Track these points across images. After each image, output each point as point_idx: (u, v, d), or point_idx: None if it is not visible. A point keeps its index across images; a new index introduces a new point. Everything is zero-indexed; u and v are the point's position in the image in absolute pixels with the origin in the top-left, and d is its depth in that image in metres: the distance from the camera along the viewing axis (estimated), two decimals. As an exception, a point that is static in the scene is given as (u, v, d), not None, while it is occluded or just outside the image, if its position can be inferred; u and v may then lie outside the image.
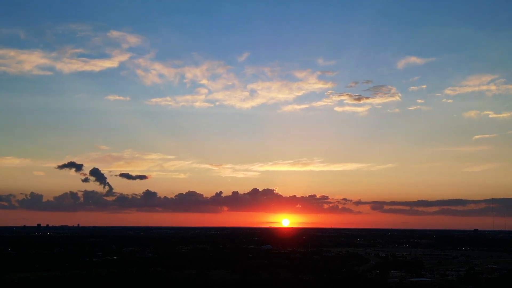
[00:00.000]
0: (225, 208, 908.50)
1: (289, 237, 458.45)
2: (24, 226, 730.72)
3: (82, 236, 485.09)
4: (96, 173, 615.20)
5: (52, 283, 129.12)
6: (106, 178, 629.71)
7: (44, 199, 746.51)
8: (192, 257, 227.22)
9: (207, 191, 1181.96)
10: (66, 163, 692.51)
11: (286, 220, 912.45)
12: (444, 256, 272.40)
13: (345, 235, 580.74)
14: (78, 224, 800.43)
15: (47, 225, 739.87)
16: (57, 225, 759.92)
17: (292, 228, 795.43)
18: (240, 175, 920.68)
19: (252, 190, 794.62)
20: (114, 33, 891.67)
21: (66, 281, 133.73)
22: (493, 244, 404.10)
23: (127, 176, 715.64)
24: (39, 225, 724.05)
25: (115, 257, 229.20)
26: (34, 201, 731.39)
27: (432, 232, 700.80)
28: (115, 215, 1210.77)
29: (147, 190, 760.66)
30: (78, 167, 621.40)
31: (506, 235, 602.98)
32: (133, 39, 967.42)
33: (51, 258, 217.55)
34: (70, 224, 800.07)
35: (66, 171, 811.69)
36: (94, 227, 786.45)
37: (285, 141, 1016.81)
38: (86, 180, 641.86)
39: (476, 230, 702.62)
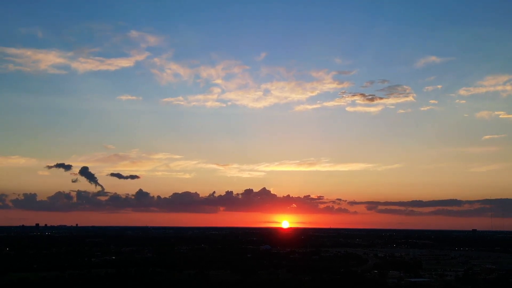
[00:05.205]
0: (222, 208, 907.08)
1: (287, 237, 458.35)
2: (23, 225, 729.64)
3: (80, 236, 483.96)
4: (86, 173, 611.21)
5: (52, 283, 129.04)
6: (96, 178, 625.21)
7: (38, 199, 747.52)
8: (191, 257, 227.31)
9: (208, 191, 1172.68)
10: (55, 164, 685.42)
11: (285, 222, 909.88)
12: (442, 257, 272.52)
13: (344, 235, 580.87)
14: (77, 224, 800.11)
15: (46, 224, 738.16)
16: (56, 225, 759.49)
17: (290, 228, 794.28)
18: (245, 175, 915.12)
19: (245, 190, 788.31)
20: (134, 33, 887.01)
21: (66, 281, 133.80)
22: (492, 245, 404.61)
23: (118, 175, 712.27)
24: (37, 224, 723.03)
25: (114, 257, 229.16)
26: (27, 201, 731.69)
27: (430, 232, 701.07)
28: (112, 214, 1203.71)
29: (140, 190, 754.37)
30: (67, 167, 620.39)
31: (505, 235, 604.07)
32: (152, 39, 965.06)
33: (50, 258, 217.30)
34: (68, 224, 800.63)
35: (55, 171, 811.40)
36: (93, 226, 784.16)
37: (294, 141, 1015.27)
38: (76, 180, 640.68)
39: (474, 231, 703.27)
